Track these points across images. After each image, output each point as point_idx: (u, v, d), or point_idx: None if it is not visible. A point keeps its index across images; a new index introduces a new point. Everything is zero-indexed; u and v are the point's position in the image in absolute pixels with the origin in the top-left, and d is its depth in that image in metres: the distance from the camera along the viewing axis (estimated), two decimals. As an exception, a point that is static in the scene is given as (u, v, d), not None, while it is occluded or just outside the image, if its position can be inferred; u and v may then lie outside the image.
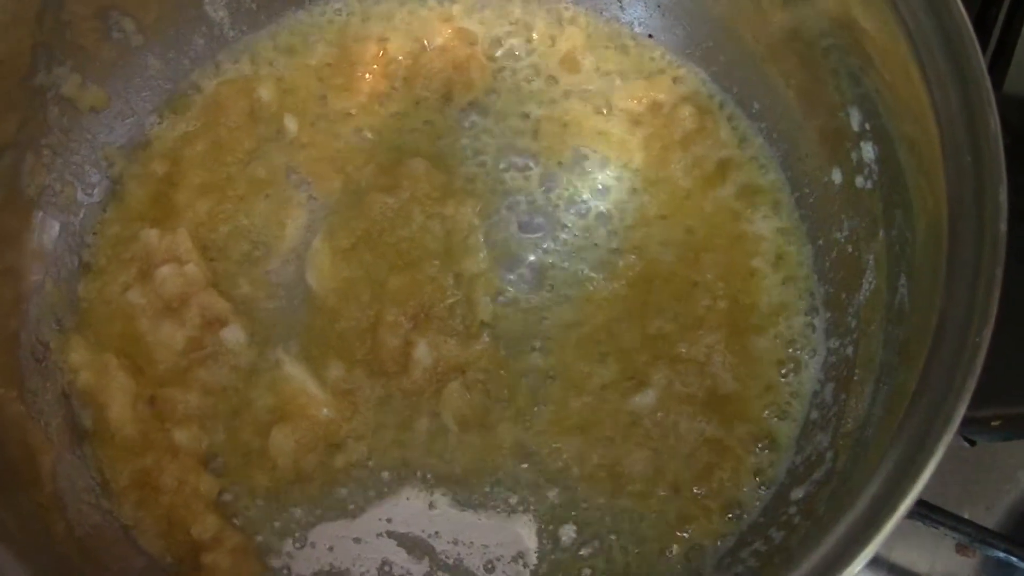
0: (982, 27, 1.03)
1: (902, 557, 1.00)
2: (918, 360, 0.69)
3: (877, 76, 0.82)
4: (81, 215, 0.98)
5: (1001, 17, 1.02)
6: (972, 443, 0.93)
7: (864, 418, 0.80)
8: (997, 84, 1.00)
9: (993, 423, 0.79)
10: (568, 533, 0.88)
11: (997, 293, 0.66)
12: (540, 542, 0.87)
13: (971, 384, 0.64)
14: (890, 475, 0.66)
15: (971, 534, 0.92)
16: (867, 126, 0.86)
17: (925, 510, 0.91)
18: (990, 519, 1.00)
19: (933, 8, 0.74)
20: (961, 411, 0.64)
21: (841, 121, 0.89)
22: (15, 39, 0.87)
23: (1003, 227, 0.67)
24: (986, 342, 0.65)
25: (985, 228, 0.68)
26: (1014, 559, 0.90)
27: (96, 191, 0.99)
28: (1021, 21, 1.02)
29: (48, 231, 0.95)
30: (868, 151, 0.86)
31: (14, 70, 0.88)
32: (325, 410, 0.91)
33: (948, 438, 0.64)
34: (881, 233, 0.85)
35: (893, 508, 0.64)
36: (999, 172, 0.69)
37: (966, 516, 0.96)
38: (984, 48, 0.99)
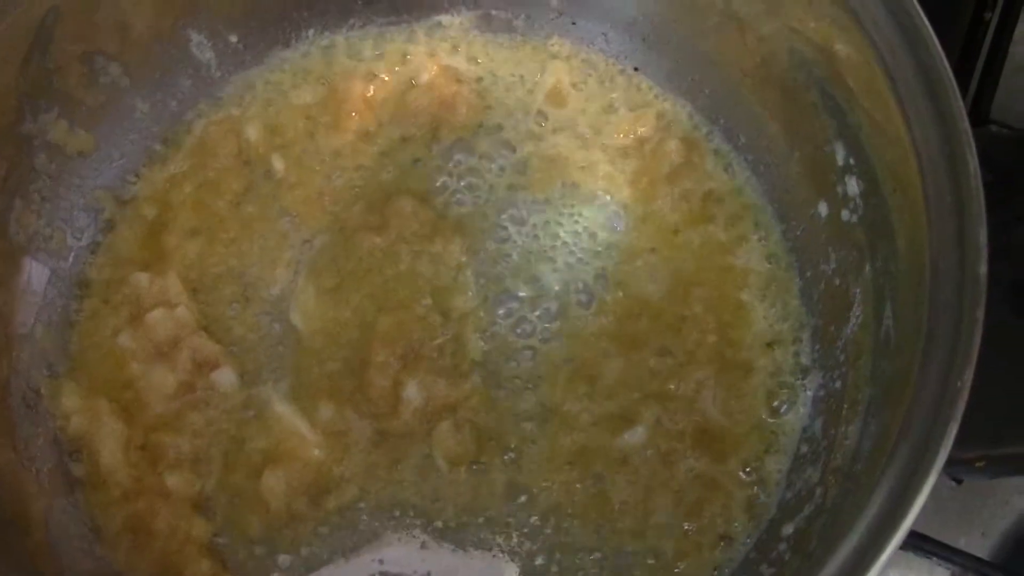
0: (968, 55, 1.03)
1: (897, 587, 1.00)
2: (902, 399, 0.69)
3: (860, 112, 0.82)
4: (71, 260, 0.98)
5: (986, 45, 1.03)
6: (959, 482, 0.92)
7: (853, 453, 0.80)
8: (983, 116, 1.00)
9: (978, 464, 0.79)
10: (561, 571, 0.87)
11: (978, 335, 0.66)
12: (533, 581, 0.87)
13: (953, 429, 0.65)
14: (876, 516, 0.66)
15: (964, 564, 0.92)
16: (851, 160, 0.86)
17: (918, 540, 0.91)
18: (985, 546, 1.00)
19: (912, 48, 0.75)
20: (944, 455, 0.65)
21: (826, 155, 0.89)
22: (0, 89, 0.87)
23: (983, 269, 0.67)
24: (967, 385, 0.65)
25: (966, 269, 0.68)
26: (1008, 589, 0.90)
27: (85, 235, 0.99)
28: (1007, 50, 1.02)
29: (38, 276, 0.95)
30: (853, 185, 0.86)
31: (0, 120, 0.89)
32: (316, 451, 0.91)
33: (931, 481, 0.64)
34: (867, 267, 0.85)
35: (879, 550, 0.64)
36: (979, 213, 0.69)
37: (961, 543, 0.96)
38: (969, 78, 1.00)
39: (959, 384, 0.65)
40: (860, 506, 0.68)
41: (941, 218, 0.71)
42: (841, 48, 0.82)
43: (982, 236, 0.68)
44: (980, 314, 0.67)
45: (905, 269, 0.77)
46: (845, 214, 0.88)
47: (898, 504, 0.66)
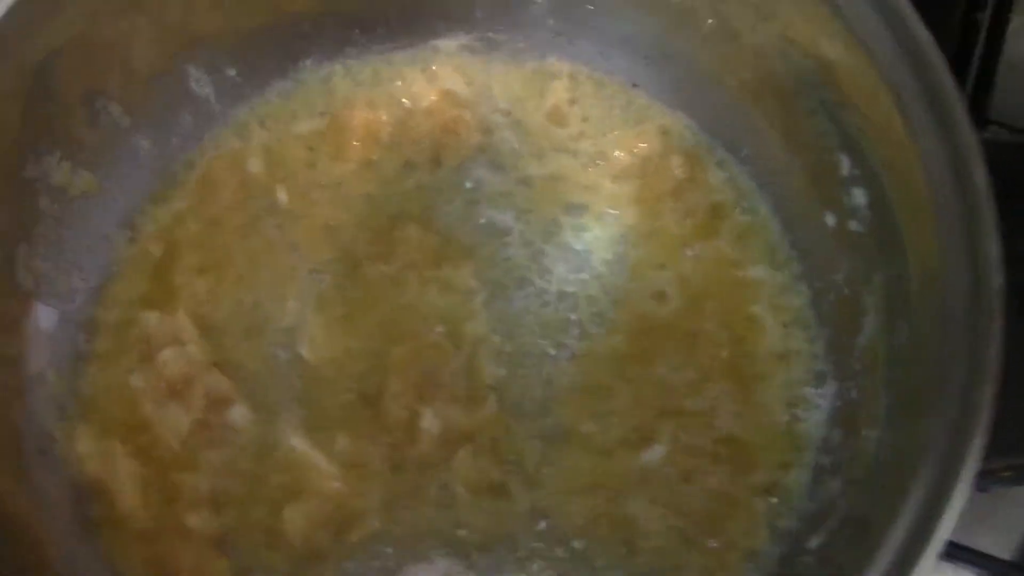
0: (962, 58, 1.03)
1: (920, 592, 0.99)
2: (922, 410, 0.69)
3: (863, 123, 0.82)
4: (78, 302, 0.97)
5: (980, 46, 1.03)
6: (984, 491, 0.92)
7: (874, 463, 0.80)
8: (983, 117, 1.01)
9: (1005, 474, 0.80)
10: (586, 594, 0.87)
11: (996, 349, 0.66)
12: (559, 605, 0.87)
13: (978, 443, 0.65)
14: (910, 527, 0.66)
15: (989, 567, 0.92)
16: (856, 171, 0.86)
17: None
18: (1007, 547, 0.99)
19: (910, 57, 0.74)
20: (972, 468, 0.65)
21: (830, 165, 0.88)
22: (2, 136, 0.87)
23: (997, 281, 0.67)
24: (988, 400, 0.65)
25: (980, 282, 0.68)
26: (1033, 591, 0.90)
27: (92, 277, 0.98)
28: (1001, 49, 1.02)
29: (47, 320, 0.95)
30: (859, 196, 0.86)
31: (3, 166, 0.88)
32: (335, 484, 0.90)
33: (963, 493, 0.65)
34: (877, 277, 0.85)
35: (915, 559, 0.65)
36: (990, 225, 0.69)
37: (982, 545, 0.96)
38: (964, 80, 1.01)
39: (980, 399, 0.65)
40: (889, 519, 0.68)
41: (951, 229, 0.71)
42: (838, 58, 0.82)
43: (995, 248, 0.68)
44: (996, 327, 0.66)
45: (918, 279, 0.77)
46: (852, 224, 0.88)
47: (928, 518, 0.66)
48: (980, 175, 0.70)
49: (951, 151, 0.72)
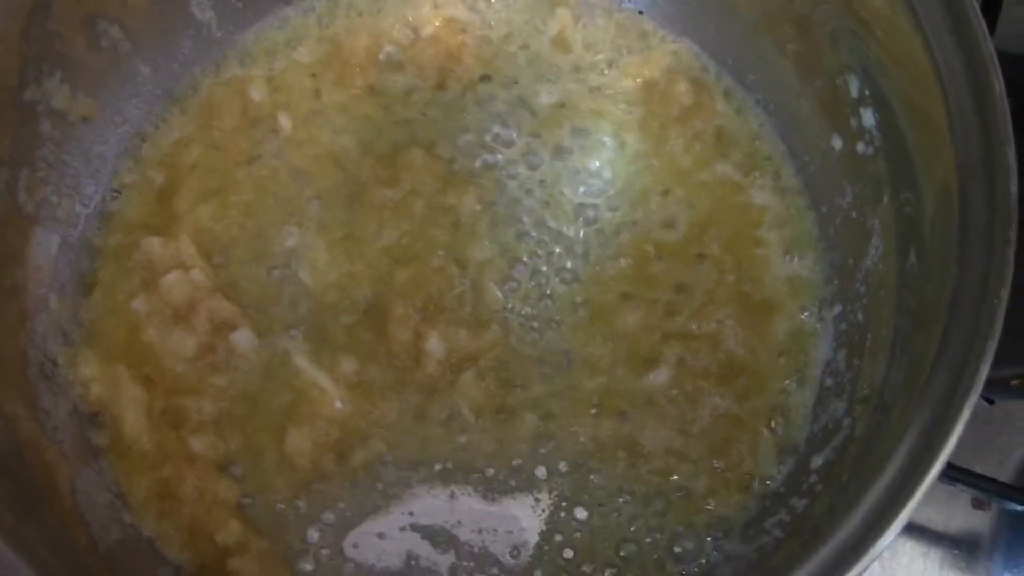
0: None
1: (918, 515, 1.00)
2: (935, 325, 0.70)
3: (875, 42, 0.82)
4: (80, 227, 0.96)
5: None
6: (991, 402, 0.93)
7: (881, 384, 0.80)
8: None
9: (1012, 382, 0.80)
10: (591, 514, 0.88)
11: (1012, 254, 0.66)
12: (564, 525, 0.88)
13: (992, 346, 0.65)
14: (916, 442, 0.66)
15: (988, 489, 0.93)
16: (866, 92, 0.86)
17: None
18: (1003, 473, 1.01)
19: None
20: (983, 374, 0.65)
21: (839, 88, 0.89)
22: (3, 54, 0.86)
23: (1013, 188, 0.68)
24: (1004, 303, 0.66)
25: (996, 190, 0.69)
26: (1032, 512, 0.91)
27: (93, 202, 0.98)
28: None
29: (48, 245, 0.94)
30: (868, 117, 0.86)
31: (4, 86, 0.87)
32: (339, 405, 0.90)
33: (972, 402, 0.65)
34: (886, 198, 0.85)
35: (922, 474, 0.65)
36: (1006, 133, 0.69)
37: (978, 471, 0.97)
38: None
39: (996, 302, 0.66)
40: (896, 436, 0.68)
41: (967, 141, 0.71)
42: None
43: (1011, 155, 0.69)
44: (1013, 234, 0.67)
45: (930, 196, 0.77)
46: (860, 147, 0.88)
47: (937, 428, 0.66)
48: (997, 87, 0.70)
49: (968, 64, 0.72)
